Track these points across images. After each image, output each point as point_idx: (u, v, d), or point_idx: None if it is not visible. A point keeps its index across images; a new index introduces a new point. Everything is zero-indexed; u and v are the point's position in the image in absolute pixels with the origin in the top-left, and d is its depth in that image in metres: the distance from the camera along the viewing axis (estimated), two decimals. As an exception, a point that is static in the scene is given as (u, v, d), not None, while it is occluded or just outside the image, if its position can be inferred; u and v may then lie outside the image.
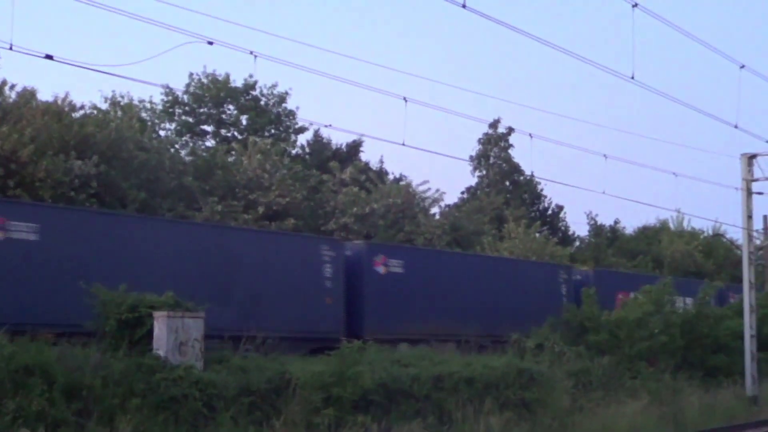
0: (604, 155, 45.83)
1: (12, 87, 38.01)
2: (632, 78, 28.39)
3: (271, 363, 21.83)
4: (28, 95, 37.82)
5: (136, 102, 50.57)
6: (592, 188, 44.68)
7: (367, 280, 34.01)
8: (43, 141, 36.03)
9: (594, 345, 31.66)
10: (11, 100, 37.26)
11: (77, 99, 46.01)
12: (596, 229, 72.26)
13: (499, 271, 40.96)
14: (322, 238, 37.96)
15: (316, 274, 32.21)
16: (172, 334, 20.20)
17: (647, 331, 32.55)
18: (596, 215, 72.53)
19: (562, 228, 71.32)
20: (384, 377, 22.41)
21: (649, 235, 73.86)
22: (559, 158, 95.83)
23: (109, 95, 47.78)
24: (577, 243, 71.56)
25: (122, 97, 48.41)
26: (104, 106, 46.60)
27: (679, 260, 67.22)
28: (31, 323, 22.15)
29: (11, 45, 23.29)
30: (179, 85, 56.00)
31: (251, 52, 29.12)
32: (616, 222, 75.33)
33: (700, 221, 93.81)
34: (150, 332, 20.39)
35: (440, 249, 46.84)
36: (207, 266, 29.11)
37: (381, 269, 34.51)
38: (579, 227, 76.34)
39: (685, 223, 75.46)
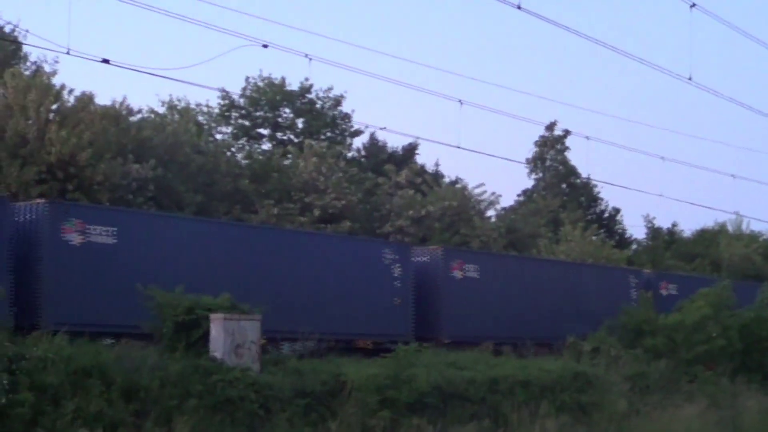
0: (662, 157, 45.47)
1: (70, 91, 38.46)
2: (690, 79, 28.21)
3: (326, 365, 21.89)
4: (86, 99, 38.24)
5: (192, 106, 51.04)
6: (649, 191, 44.52)
7: (444, 284, 35.05)
8: (101, 145, 36.41)
9: (651, 349, 31.36)
10: (70, 105, 37.68)
11: (134, 103, 46.59)
12: (654, 232, 71.70)
13: (571, 275, 41.46)
14: (389, 242, 38.98)
15: (385, 277, 33.20)
16: (229, 337, 20.32)
17: (705, 334, 32.19)
18: (653, 218, 72.12)
19: (619, 231, 70.82)
20: (439, 380, 22.34)
21: (707, 237, 73.05)
22: (616, 161, 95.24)
23: (166, 99, 48.23)
24: (635, 246, 70.99)
25: (179, 100, 48.90)
26: (161, 110, 47.07)
27: (738, 263, 66.42)
28: (112, 325, 23.84)
29: (68, 49, 23.61)
30: (235, 89, 56.47)
31: (306, 55, 29.33)
32: (674, 225, 74.74)
33: (760, 224, 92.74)
34: (206, 334, 20.52)
35: (516, 255, 47.82)
36: (278, 268, 30.19)
37: (457, 274, 35.50)
38: (636, 230, 75.80)
39: (743, 226, 74.66)
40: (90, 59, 23.69)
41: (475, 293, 35.70)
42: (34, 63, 42.14)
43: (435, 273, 35.14)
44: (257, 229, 34.33)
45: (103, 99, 47.05)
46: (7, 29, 41.69)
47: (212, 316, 20.54)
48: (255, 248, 30.00)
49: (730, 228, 74.73)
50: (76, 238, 25.61)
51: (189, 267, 27.32)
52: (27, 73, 38.95)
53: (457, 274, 35.53)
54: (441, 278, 35.09)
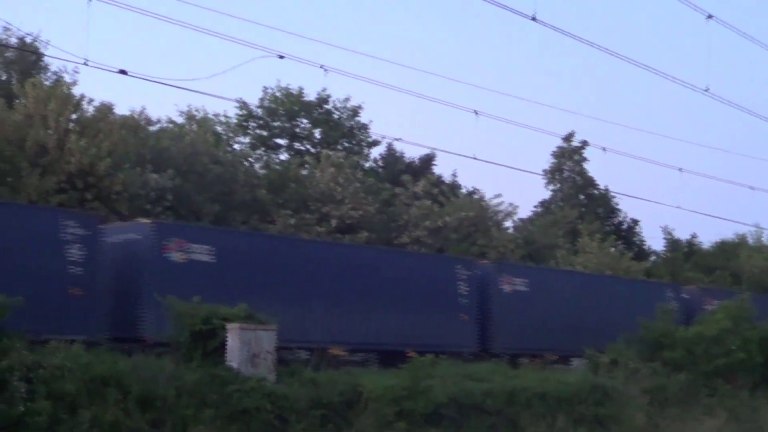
0: (679, 169, 45.30)
1: (90, 101, 38.62)
2: (707, 90, 28.07)
3: (342, 376, 21.84)
4: (105, 109, 38.37)
5: (211, 116, 51.13)
6: (667, 202, 44.46)
7: (495, 298, 35.83)
8: (120, 154, 36.55)
9: (670, 361, 31.18)
10: (89, 115, 37.82)
11: (153, 113, 46.68)
12: (672, 244, 71.39)
13: (612, 289, 41.88)
14: (458, 258, 39.62)
15: (452, 292, 34.43)
16: (245, 346, 20.30)
17: (724, 347, 31.98)
18: (672, 229, 71.80)
19: (638, 242, 70.54)
20: (456, 391, 22.26)
21: (727, 249, 72.62)
22: (634, 172, 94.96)
23: (185, 109, 48.35)
24: (653, 258, 70.69)
25: (197, 111, 48.98)
26: (180, 120, 47.17)
27: (758, 275, 66.03)
28: None
29: (86, 60, 23.68)
30: (252, 99, 56.54)
31: (322, 66, 29.34)
32: (693, 236, 74.33)
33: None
34: (223, 344, 20.51)
35: (564, 269, 48.65)
36: (359, 284, 31.73)
37: (507, 288, 36.18)
38: (655, 242, 75.50)
39: (764, 238, 74.21)
40: (108, 70, 23.78)
41: (525, 307, 36.42)
42: (54, 73, 42.37)
43: (487, 287, 35.80)
44: (355, 248, 36.85)
45: (121, 109, 47.25)
46: (28, 40, 41.86)
47: (229, 325, 20.53)
48: (353, 265, 31.86)
49: (750, 240, 74.34)
50: (176, 256, 26.98)
51: (290, 283, 29.38)
52: (47, 83, 39.11)
53: (507, 288, 36.27)
54: (493, 292, 35.90)
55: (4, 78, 42.01)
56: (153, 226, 27.40)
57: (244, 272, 28.26)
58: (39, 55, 42.15)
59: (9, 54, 42.15)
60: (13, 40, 41.63)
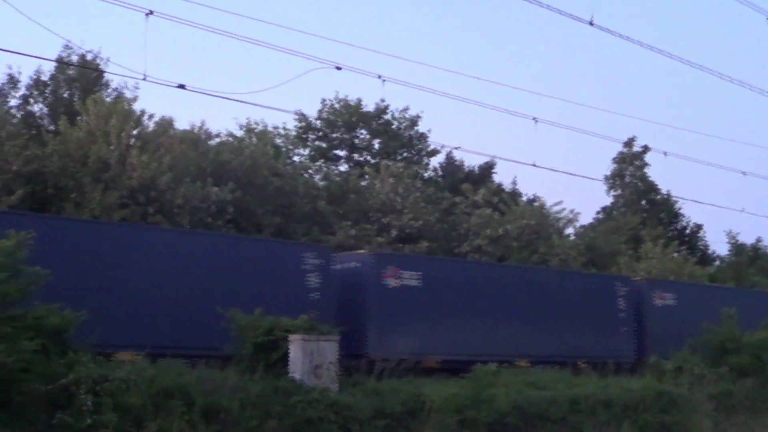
0: (743, 172, 44.87)
1: (150, 117, 39.05)
2: (770, 93, 27.70)
3: (405, 385, 21.85)
4: (165, 124, 38.77)
5: (270, 128, 51.40)
6: (730, 206, 44.14)
7: (648, 311, 38.66)
8: (181, 168, 36.90)
9: (736, 367, 30.80)
10: (150, 130, 38.22)
11: (212, 127, 47.11)
12: (737, 248, 70.51)
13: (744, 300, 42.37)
14: (618, 276, 43.34)
15: (613, 307, 37.37)
16: (308, 357, 20.40)
17: (792, 352, 31.55)
18: (737, 233, 70.89)
19: (701, 247, 69.76)
20: (519, 400, 22.19)
21: (794, 253, 71.66)
22: (696, 176, 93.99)
23: (244, 122, 48.67)
24: (717, 262, 69.87)
25: (256, 124, 49.27)
26: (239, 133, 47.51)
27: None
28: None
29: (145, 75, 23.97)
30: (310, 111, 56.73)
31: (379, 76, 29.42)
32: (758, 240, 73.34)
33: None
34: (285, 355, 20.62)
35: (713, 284, 51.05)
36: (538, 303, 34.65)
37: (659, 302, 39.19)
38: (719, 246, 74.62)
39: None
40: (167, 85, 24.01)
41: (674, 319, 38.27)
42: (115, 90, 42.88)
43: (641, 301, 38.56)
44: (505, 268, 39.36)
45: (181, 123, 47.75)
46: (88, 57, 42.41)
47: (291, 336, 20.65)
48: (505, 285, 34.17)
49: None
50: (392, 282, 30.30)
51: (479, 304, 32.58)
52: (108, 99, 39.60)
53: (658, 302, 39.06)
54: (646, 306, 38.65)
55: (66, 95, 42.60)
56: (373, 256, 31.27)
57: (444, 294, 31.64)
58: (100, 72, 42.67)
59: (71, 72, 42.74)
60: (74, 58, 42.16)
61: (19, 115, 40.64)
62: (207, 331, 23.42)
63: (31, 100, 42.56)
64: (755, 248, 72.32)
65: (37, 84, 42.46)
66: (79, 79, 42.66)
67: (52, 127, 40.22)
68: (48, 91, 42.64)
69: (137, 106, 38.83)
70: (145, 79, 24.50)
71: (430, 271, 31.78)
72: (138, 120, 37.94)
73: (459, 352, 30.96)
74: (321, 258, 29.07)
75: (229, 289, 25.80)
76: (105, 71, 42.72)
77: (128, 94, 40.49)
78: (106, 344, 20.35)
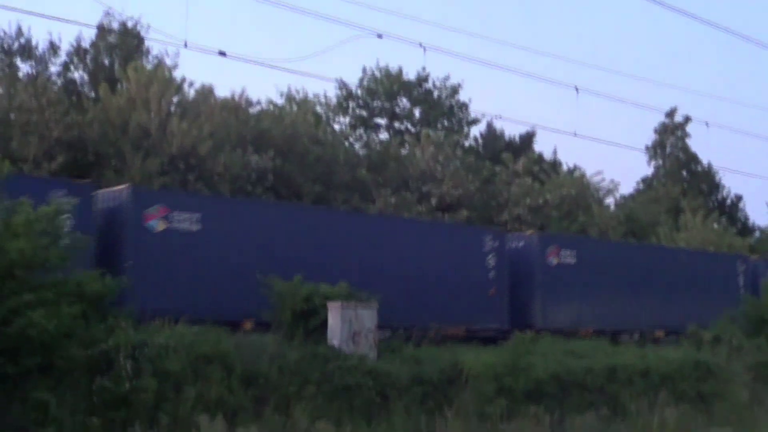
0: (786, 143, 44.36)
1: (191, 84, 39.12)
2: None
3: (443, 353, 21.89)
4: (206, 92, 38.83)
5: (310, 96, 51.42)
6: (772, 177, 44.04)
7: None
8: (221, 136, 36.99)
9: (774, 338, 30.56)
10: (190, 97, 38.30)
11: (253, 94, 47.14)
12: (778, 219, 69.85)
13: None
14: (738, 254, 45.66)
15: (733, 284, 40.31)
16: (346, 324, 20.47)
17: (832, 322, 31.24)
18: (778, 204, 70.20)
19: (742, 218, 69.23)
20: (557, 369, 22.16)
21: (834, 224, 70.91)
22: (737, 147, 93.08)
23: (285, 90, 48.69)
24: (758, 233, 69.32)
25: (297, 92, 49.30)
26: (280, 101, 47.53)
27: None
28: None
29: (186, 43, 24.07)
30: (351, 79, 56.72)
31: (420, 44, 29.35)
32: (799, 211, 72.67)
33: None
34: (324, 322, 20.70)
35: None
36: (674, 279, 37.97)
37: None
38: (760, 217, 74.05)
39: None
40: (207, 52, 24.11)
41: None
42: (156, 57, 42.97)
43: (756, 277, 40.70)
44: (645, 249, 43.25)
45: (222, 91, 47.81)
46: (129, 24, 42.50)
47: (330, 304, 20.72)
48: (645, 263, 37.67)
49: None
50: (554, 260, 33.68)
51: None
52: (148, 67, 39.68)
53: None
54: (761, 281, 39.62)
55: (106, 63, 42.74)
56: (538, 237, 34.64)
57: (595, 271, 34.84)
58: (140, 39, 42.77)
59: (111, 39, 42.88)
60: (115, 25, 42.28)
61: (59, 83, 40.80)
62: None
63: (72, 67, 42.66)
64: (797, 219, 71.66)
65: (78, 51, 42.57)
66: (120, 46, 42.77)
67: (92, 95, 40.36)
68: (88, 58, 42.76)
69: (178, 74, 38.98)
70: (185, 46, 24.67)
71: (583, 250, 35.10)
72: (178, 87, 38.03)
73: (607, 323, 34.27)
74: (496, 240, 32.35)
75: (434, 269, 30.04)
76: (145, 38, 42.85)
77: (169, 62, 40.58)
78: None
